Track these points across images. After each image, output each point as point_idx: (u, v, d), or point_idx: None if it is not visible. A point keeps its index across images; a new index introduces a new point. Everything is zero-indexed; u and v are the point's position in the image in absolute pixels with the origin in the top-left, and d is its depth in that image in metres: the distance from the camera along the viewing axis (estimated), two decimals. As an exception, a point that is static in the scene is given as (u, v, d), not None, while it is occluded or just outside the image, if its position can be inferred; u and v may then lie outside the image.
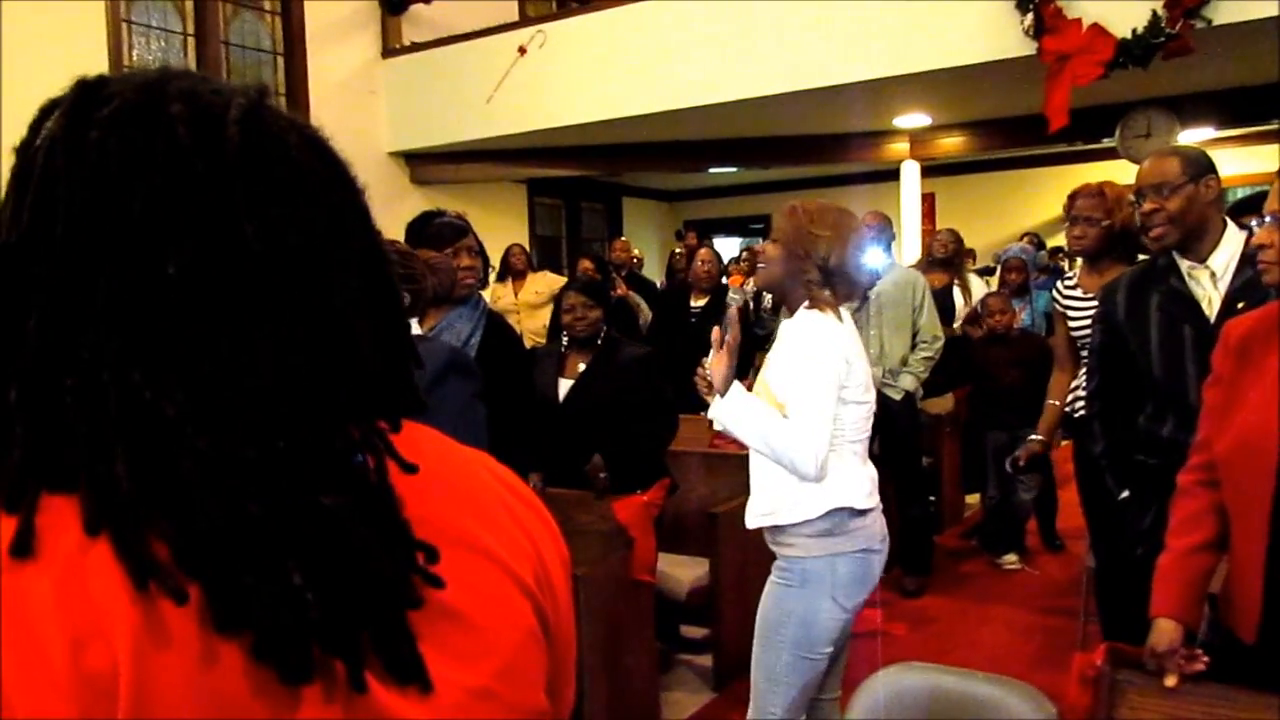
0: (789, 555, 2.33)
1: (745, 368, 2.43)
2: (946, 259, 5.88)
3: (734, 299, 2.50)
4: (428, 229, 2.91)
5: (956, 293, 5.86)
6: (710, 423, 2.41)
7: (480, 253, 3.03)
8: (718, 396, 2.31)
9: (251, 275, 0.60)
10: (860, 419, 2.34)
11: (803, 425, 2.22)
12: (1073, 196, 3.45)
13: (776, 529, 2.35)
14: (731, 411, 2.29)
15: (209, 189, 0.59)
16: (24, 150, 0.60)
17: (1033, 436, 3.62)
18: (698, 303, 5.88)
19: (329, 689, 0.57)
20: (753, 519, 2.40)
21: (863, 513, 2.31)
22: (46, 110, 0.62)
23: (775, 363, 2.38)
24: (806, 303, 2.34)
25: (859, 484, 2.32)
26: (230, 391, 0.58)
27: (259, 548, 0.56)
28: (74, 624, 0.52)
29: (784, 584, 2.34)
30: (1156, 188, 2.42)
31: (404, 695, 0.60)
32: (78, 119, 0.60)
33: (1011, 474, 3.76)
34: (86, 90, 0.61)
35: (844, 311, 2.38)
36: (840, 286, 2.37)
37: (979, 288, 6.17)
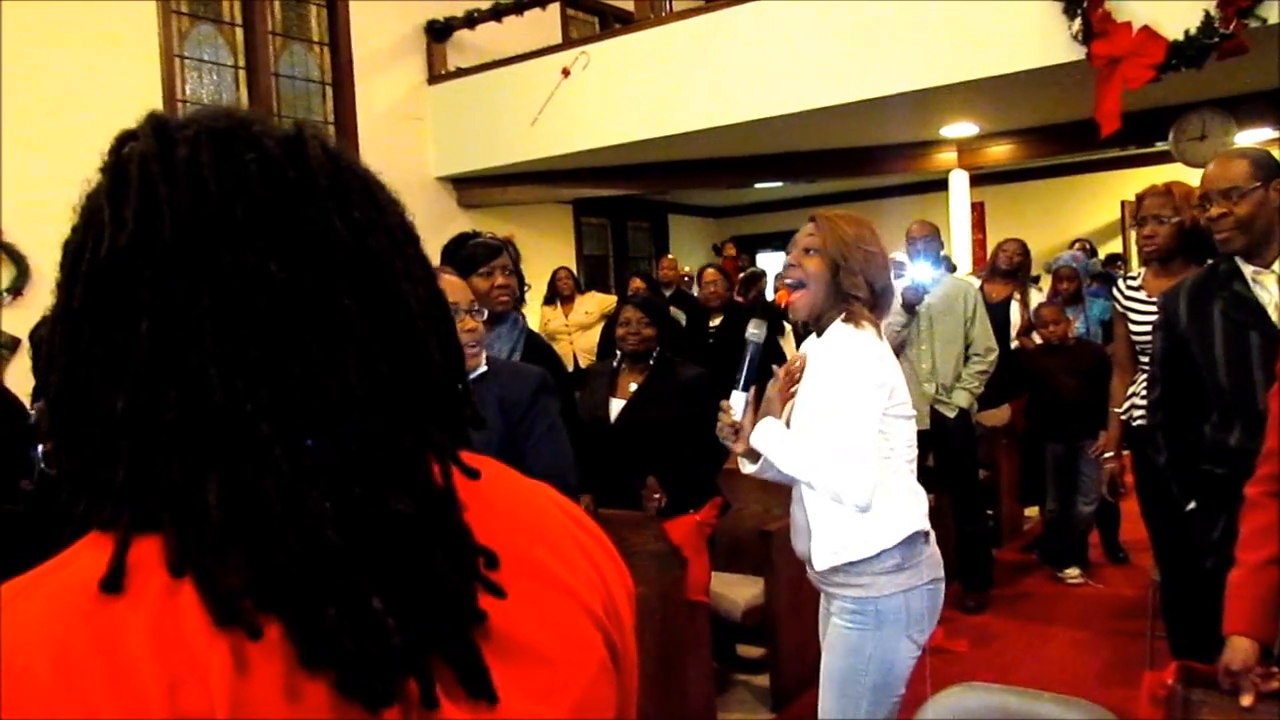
0: (859, 595, 2.13)
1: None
2: (1011, 270, 5.75)
3: (754, 335, 2.26)
4: (462, 250, 2.94)
5: (1014, 306, 5.72)
6: (740, 463, 2.29)
7: (515, 271, 3.06)
8: (749, 431, 2.17)
9: (343, 272, 0.62)
10: (912, 435, 2.20)
11: (852, 452, 2.05)
12: (1140, 198, 3.39)
13: (842, 567, 2.15)
14: (770, 438, 2.13)
15: (302, 192, 0.62)
16: (115, 168, 0.62)
17: (1105, 456, 3.56)
18: (714, 322, 5.86)
19: (405, 710, 0.58)
20: (823, 558, 2.17)
21: (927, 538, 2.17)
22: (124, 137, 0.64)
23: (810, 385, 2.19)
24: (842, 317, 2.17)
25: (922, 504, 2.18)
26: (318, 398, 0.60)
27: (339, 576, 0.57)
28: (170, 665, 0.53)
29: (857, 627, 2.13)
30: (1225, 192, 2.33)
31: (477, 716, 0.61)
32: (164, 139, 0.62)
33: (1110, 499, 3.70)
34: (160, 118, 0.64)
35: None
36: (883, 308, 2.22)
37: (1037, 301, 6.04)
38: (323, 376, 0.60)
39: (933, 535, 2.20)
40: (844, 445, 2.06)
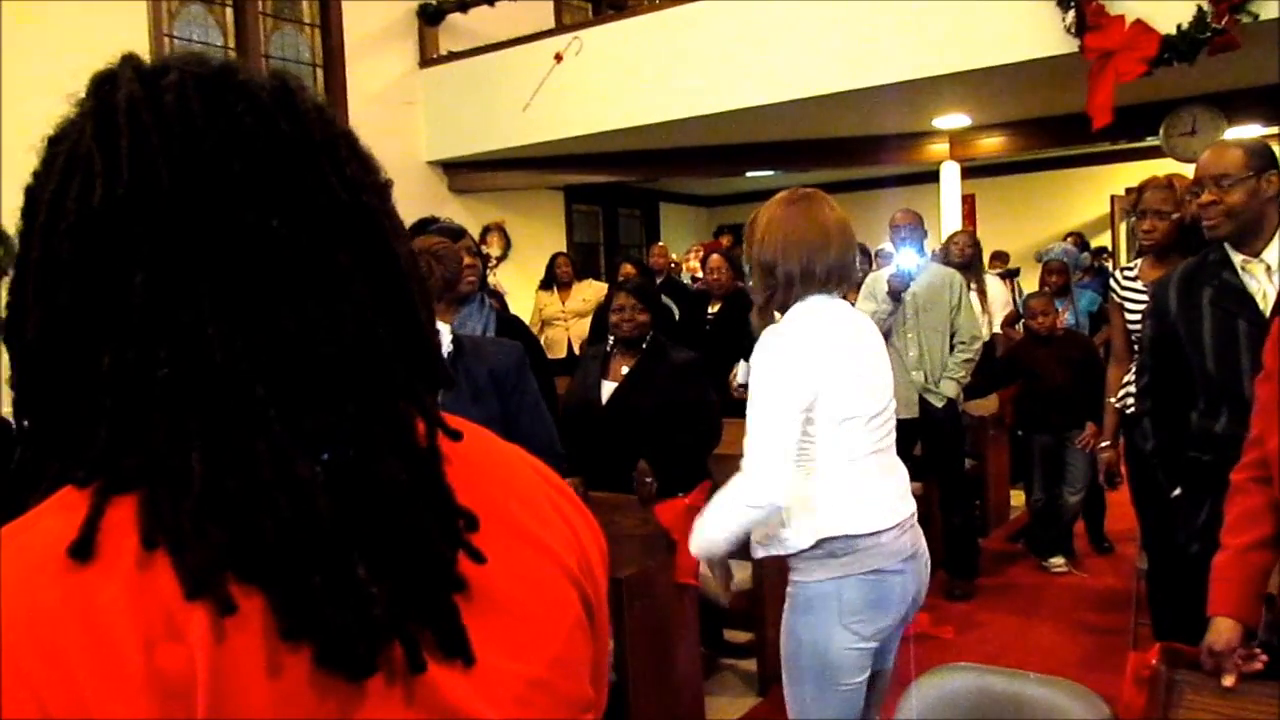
0: (794, 579, 2.14)
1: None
2: (964, 262, 5.76)
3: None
4: (426, 234, 2.99)
5: (973, 298, 5.73)
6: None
7: (478, 253, 3.15)
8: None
9: (340, 230, 0.61)
10: (857, 435, 2.08)
11: (757, 451, 2.00)
12: (1140, 190, 3.40)
13: (780, 556, 2.16)
14: (700, 537, 2.14)
15: (297, 146, 0.61)
16: (100, 113, 0.59)
17: (1101, 445, 3.58)
18: (713, 309, 5.84)
19: (389, 675, 0.57)
20: (754, 549, 2.19)
21: (875, 532, 2.08)
22: (102, 81, 0.61)
23: None
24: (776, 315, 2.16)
25: (858, 507, 2.08)
26: (315, 358, 0.59)
27: (326, 545, 0.56)
28: (147, 624, 0.52)
29: (790, 611, 2.15)
30: (1217, 179, 2.35)
31: (462, 680, 0.60)
32: (149, 85, 0.60)
33: (1107, 487, 3.72)
34: (138, 61, 0.62)
35: (841, 311, 2.15)
36: (803, 283, 2.12)
37: (995, 291, 6.06)
38: (321, 336, 0.59)
39: (891, 531, 2.10)
40: (751, 442, 2.02)
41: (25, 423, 0.60)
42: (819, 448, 2.08)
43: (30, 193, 0.61)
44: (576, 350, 6.82)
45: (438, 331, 0.71)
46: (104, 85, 0.61)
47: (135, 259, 0.56)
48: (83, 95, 0.62)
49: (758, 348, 2.09)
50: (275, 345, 0.57)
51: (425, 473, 0.63)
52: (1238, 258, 2.37)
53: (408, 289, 0.65)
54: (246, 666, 0.53)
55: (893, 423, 2.20)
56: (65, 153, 0.59)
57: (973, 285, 5.72)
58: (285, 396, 0.57)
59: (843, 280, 2.18)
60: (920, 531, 2.22)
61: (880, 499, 2.11)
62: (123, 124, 0.58)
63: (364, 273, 0.62)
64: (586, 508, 0.77)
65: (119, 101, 0.59)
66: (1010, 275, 7.68)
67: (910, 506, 2.18)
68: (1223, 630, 1.77)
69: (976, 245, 5.92)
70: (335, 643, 0.55)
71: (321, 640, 0.54)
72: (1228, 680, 1.75)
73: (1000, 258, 8.99)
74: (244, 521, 0.55)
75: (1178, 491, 2.47)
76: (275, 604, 0.54)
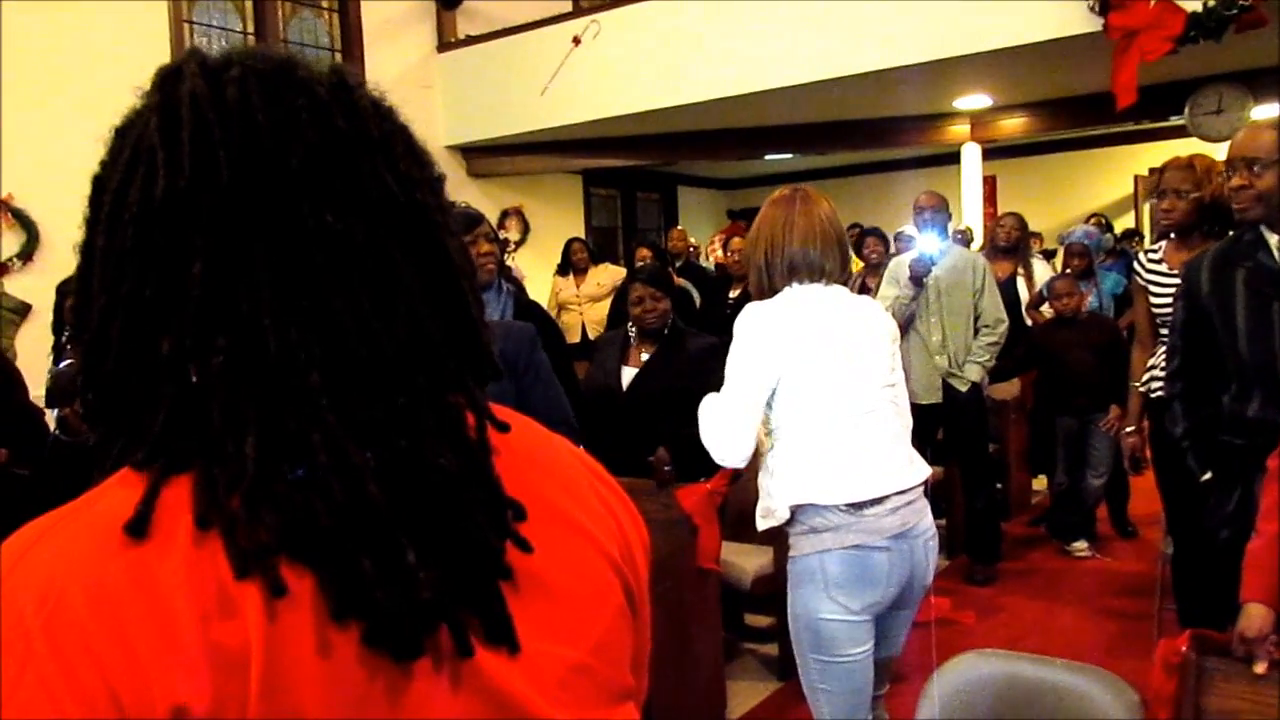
0: (789, 555, 2.23)
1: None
2: (1010, 246, 5.70)
3: None
4: None
5: (1020, 283, 5.66)
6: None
7: (495, 238, 3.16)
8: None
9: (394, 226, 0.62)
10: (826, 409, 2.15)
11: (717, 412, 2.19)
12: (1161, 170, 3.37)
13: (778, 530, 2.25)
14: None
15: (354, 143, 0.62)
16: (165, 107, 0.61)
17: (1126, 430, 3.54)
18: (734, 293, 5.78)
19: (436, 659, 0.59)
20: (758, 522, 2.29)
21: (858, 506, 2.13)
22: (168, 74, 0.63)
23: None
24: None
25: (827, 478, 2.14)
26: (369, 351, 0.60)
27: (376, 529, 0.58)
28: (203, 599, 0.54)
29: (788, 587, 2.23)
30: (1249, 162, 2.30)
31: (507, 663, 0.62)
32: (212, 79, 0.61)
33: (1132, 472, 3.68)
34: (203, 55, 0.64)
35: (812, 297, 2.22)
36: (784, 273, 2.26)
37: (1042, 273, 5.99)
38: (374, 329, 0.60)
39: (876, 505, 2.14)
40: (718, 403, 2.21)
41: (90, 398, 0.63)
42: (785, 421, 2.19)
43: (97, 181, 0.63)
44: (591, 335, 6.82)
45: (488, 325, 0.71)
46: (169, 79, 0.63)
47: (194, 250, 0.58)
48: (148, 88, 0.64)
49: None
50: (329, 337, 0.59)
51: (475, 464, 0.65)
52: (1273, 239, 2.32)
53: (459, 283, 0.67)
54: (298, 643, 0.55)
55: (889, 401, 2.24)
56: (131, 145, 0.61)
57: (1020, 270, 5.65)
58: (339, 386, 0.59)
59: (811, 272, 2.25)
60: (922, 510, 2.23)
61: (856, 472, 2.15)
62: (186, 118, 0.60)
63: (416, 267, 0.63)
64: (630, 499, 0.78)
65: (183, 95, 0.61)
66: (1047, 256, 7.59)
67: (906, 485, 2.19)
68: (1255, 617, 1.75)
69: (1024, 228, 5.78)
70: (383, 624, 0.56)
71: (369, 621, 0.56)
72: (1260, 667, 1.73)
73: (1035, 238, 8.89)
74: (297, 505, 0.57)
75: (1208, 476, 2.43)
76: (325, 585, 0.56)
